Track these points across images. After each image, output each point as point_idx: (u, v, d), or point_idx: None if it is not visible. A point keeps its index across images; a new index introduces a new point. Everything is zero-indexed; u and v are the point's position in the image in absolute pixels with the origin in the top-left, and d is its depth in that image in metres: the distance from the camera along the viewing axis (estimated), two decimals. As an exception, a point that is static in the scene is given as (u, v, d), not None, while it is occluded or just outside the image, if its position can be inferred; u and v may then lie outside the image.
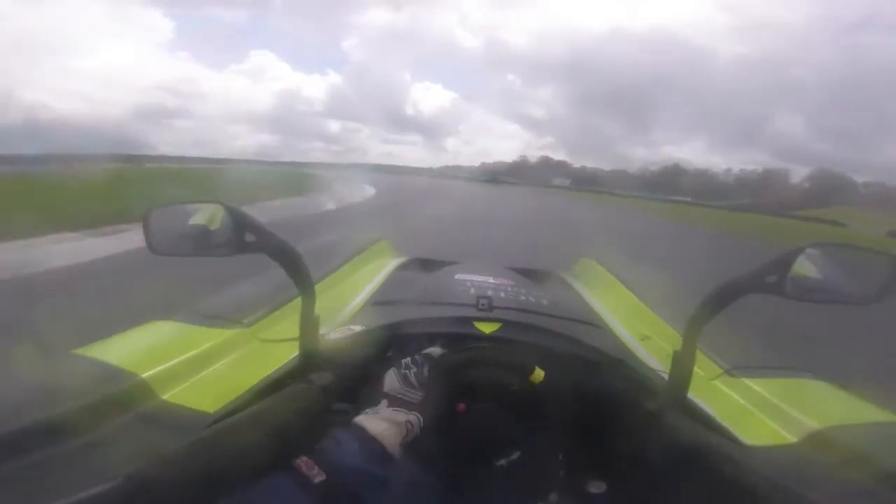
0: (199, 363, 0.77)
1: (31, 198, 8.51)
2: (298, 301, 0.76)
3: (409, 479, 0.67)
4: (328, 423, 0.75)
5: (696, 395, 0.77)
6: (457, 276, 1.33)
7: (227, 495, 0.53)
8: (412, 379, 0.80)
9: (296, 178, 22.44)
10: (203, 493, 0.50)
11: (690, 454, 0.62)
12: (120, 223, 6.63)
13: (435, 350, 0.83)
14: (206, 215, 0.66)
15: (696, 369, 0.74)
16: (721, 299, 0.66)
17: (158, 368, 0.70)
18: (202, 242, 0.66)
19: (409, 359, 0.82)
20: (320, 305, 0.79)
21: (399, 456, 0.67)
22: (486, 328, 0.91)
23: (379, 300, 1.22)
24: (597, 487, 0.76)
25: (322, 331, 0.85)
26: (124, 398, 0.62)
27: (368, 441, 0.65)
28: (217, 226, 0.65)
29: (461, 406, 0.75)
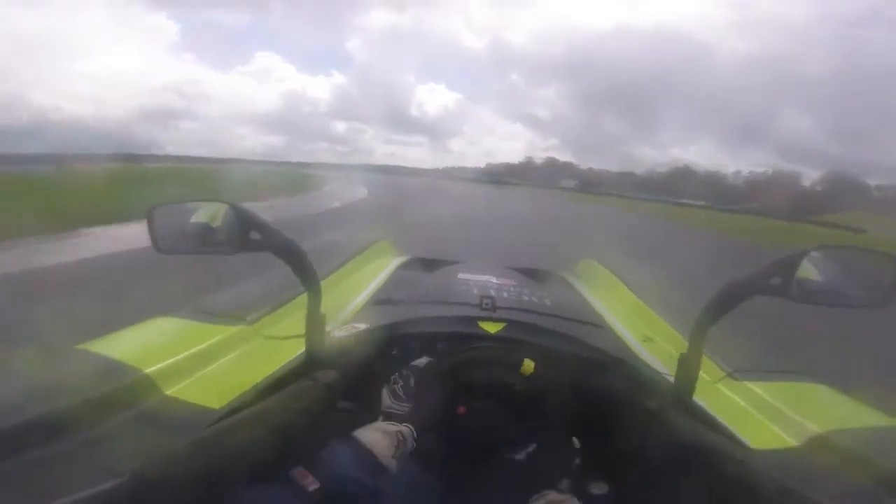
0: (203, 360, 0.77)
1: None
2: (302, 298, 0.77)
3: (403, 488, 0.68)
4: (332, 421, 0.78)
5: (698, 397, 0.76)
6: (459, 276, 1.33)
7: (231, 493, 0.54)
8: (400, 392, 0.85)
9: (289, 180, 21.99)
10: (207, 490, 0.51)
11: (694, 455, 0.62)
12: (80, 227, 6.35)
13: (421, 361, 0.86)
14: (210, 213, 0.66)
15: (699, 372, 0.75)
16: (726, 302, 0.66)
17: (162, 364, 0.69)
18: (206, 240, 0.66)
19: (396, 373, 0.85)
20: (323, 304, 0.79)
21: (393, 466, 0.68)
22: (491, 328, 0.92)
23: (382, 299, 1.21)
24: (598, 488, 0.76)
25: (327, 329, 0.85)
26: (128, 394, 0.62)
27: (361, 452, 0.67)
28: (221, 224, 0.65)
29: (461, 409, 0.75)
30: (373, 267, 1.60)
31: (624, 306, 1.38)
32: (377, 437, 0.69)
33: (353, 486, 0.62)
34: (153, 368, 0.68)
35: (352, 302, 1.19)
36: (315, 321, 0.78)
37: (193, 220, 0.68)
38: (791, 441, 0.69)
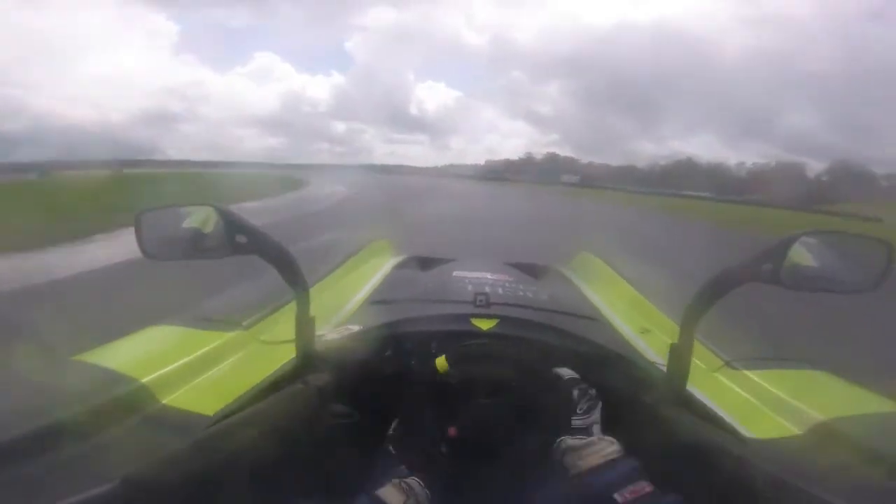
0: (199, 366, 0.77)
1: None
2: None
3: None
4: (325, 424, 0.78)
5: (696, 387, 0.76)
6: (454, 274, 1.34)
7: (226, 496, 0.54)
8: (398, 441, 0.82)
9: (267, 183, 21.47)
10: (199, 494, 0.51)
11: (689, 448, 0.62)
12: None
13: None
14: (197, 218, 0.66)
15: (696, 362, 0.74)
16: (717, 289, 0.66)
17: (158, 373, 0.70)
18: (194, 245, 0.66)
19: (394, 423, 0.83)
20: (319, 306, 0.80)
21: None
22: (484, 325, 0.92)
23: (377, 299, 1.21)
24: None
25: (320, 331, 0.86)
26: (124, 403, 0.62)
27: None
28: (208, 228, 0.65)
29: (451, 431, 0.75)
30: (369, 267, 1.60)
31: (621, 299, 1.36)
32: (391, 491, 0.68)
33: None
34: (149, 377, 0.68)
35: (348, 303, 1.19)
36: (305, 324, 0.78)
37: (180, 225, 0.67)
38: (793, 429, 0.68)
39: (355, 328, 0.94)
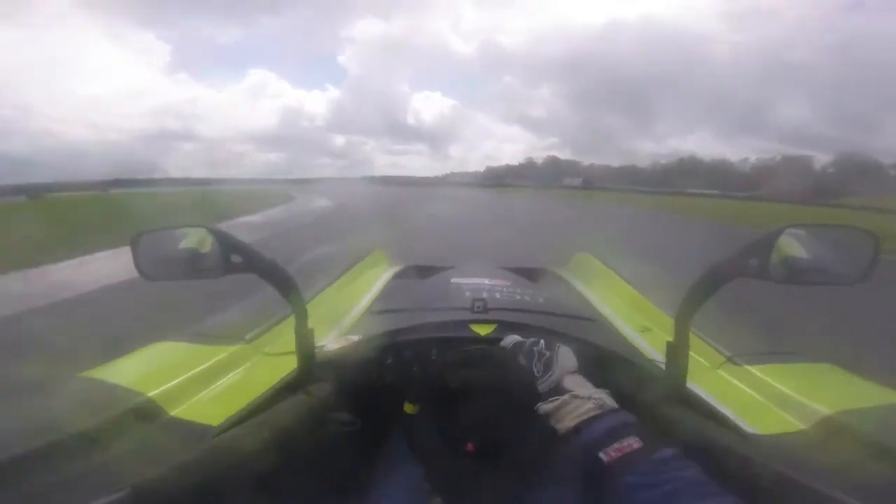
0: (203, 379, 0.78)
1: None
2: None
3: None
4: (328, 434, 0.79)
5: (699, 384, 0.75)
6: (452, 281, 1.34)
7: None
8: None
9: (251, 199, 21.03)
10: (207, 503, 0.52)
11: (693, 446, 0.61)
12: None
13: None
14: (193, 239, 0.68)
15: (698, 358, 0.74)
16: (707, 286, 0.66)
17: (163, 387, 0.70)
18: (191, 266, 0.67)
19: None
20: (319, 317, 0.82)
21: None
22: (482, 330, 0.92)
23: (376, 309, 1.21)
24: None
25: (321, 342, 0.88)
26: (131, 416, 0.63)
27: None
28: (203, 248, 0.66)
29: (469, 446, 0.72)
30: (368, 277, 1.60)
31: (620, 298, 1.36)
32: None
33: None
34: (155, 391, 0.68)
35: (348, 313, 1.19)
36: (304, 337, 0.78)
37: (176, 245, 0.68)
38: (797, 424, 0.67)
39: (356, 338, 0.95)
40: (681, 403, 0.71)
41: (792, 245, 0.60)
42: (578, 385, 0.72)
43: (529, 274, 1.70)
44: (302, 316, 0.77)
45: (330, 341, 0.95)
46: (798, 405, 0.70)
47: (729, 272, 0.63)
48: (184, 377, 0.76)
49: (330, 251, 1.99)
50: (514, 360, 0.75)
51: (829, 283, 0.62)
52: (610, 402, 0.67)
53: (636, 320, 1.16)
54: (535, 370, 0.73)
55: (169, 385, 0.72)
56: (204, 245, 0.67)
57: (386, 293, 1.41)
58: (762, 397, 0.76)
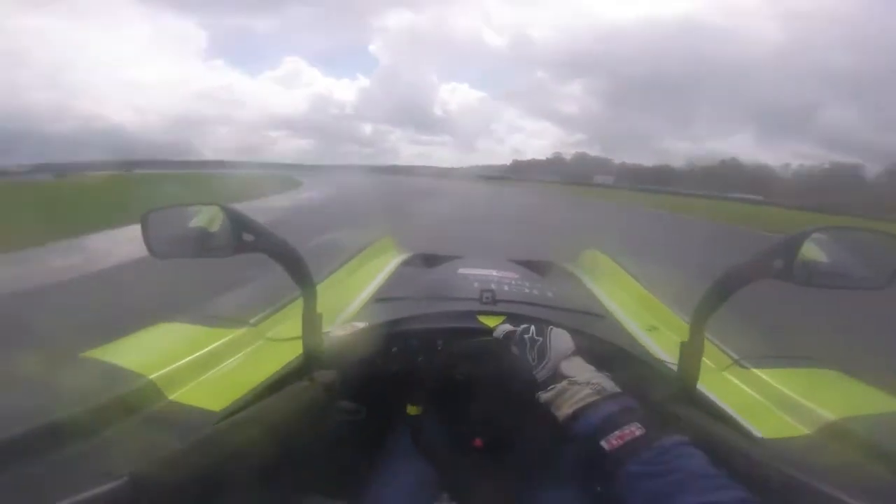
0: (207, 363, 0.77)
1: None
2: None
3: None
4: (332, 421, 0.78)
5: (705, 386, 0.75)
6: (460, 271, 1.32)
7: (233, 492, 0.54)
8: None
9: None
10: (205, 491, 0.52)
11: (701, 447, 0.60)
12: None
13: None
14: (203, 217, 0.67)
15: (705, 360, 0.73)
16: (727, 287, 0.64)
17: (166, 369, 0.70)
18: (201, 244, 0.66)
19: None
20: (325, 303, 0.79)
21: None
22: (490, 322, 0.90)
23: (383, 297, 1.20)
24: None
25: (327, 328, 0.85)
26: (133, 399, 0.62)
27: None
28: (214, 227, 0.65)
29: (477, 442, 0.72)
30: (375, 264, 1.58)
31: (628, 296, 1.34)
32: None
33: None
34: (157, 374, 0.67)
35: (354, 300, 1.18)
36: (311, 321, 0.77)
37: (187, 223, 0.67)
38: (803, 429, 0.67)
39: (362, 325, 0.93)
40: (690, 404, 0.71)
41: (817, 248, 0.59)
42: (577, 369, 0.69)
43: (537, 267, 1.68)
44: (311, 300, 0.76)
45: (335, 328, 0.93)
46: (804, 410, 0.69)
47: (751, 273, 0.61)
48: (187, 360, 0.74)
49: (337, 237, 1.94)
50: (508, 351, 0.74)
51: (852, 286, 0.61)
52: (609, 386, 0.65)
53: (644, 318, 1.15)
54: (529, 359, 0.72)
55: (172, 367, 0.70)
56: (215, 223, 0.65)
57: (393, 281, 1.39)
58: (768, 401, 0.75)
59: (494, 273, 1.29)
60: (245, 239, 0.63)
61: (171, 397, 0.66)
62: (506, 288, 1.13)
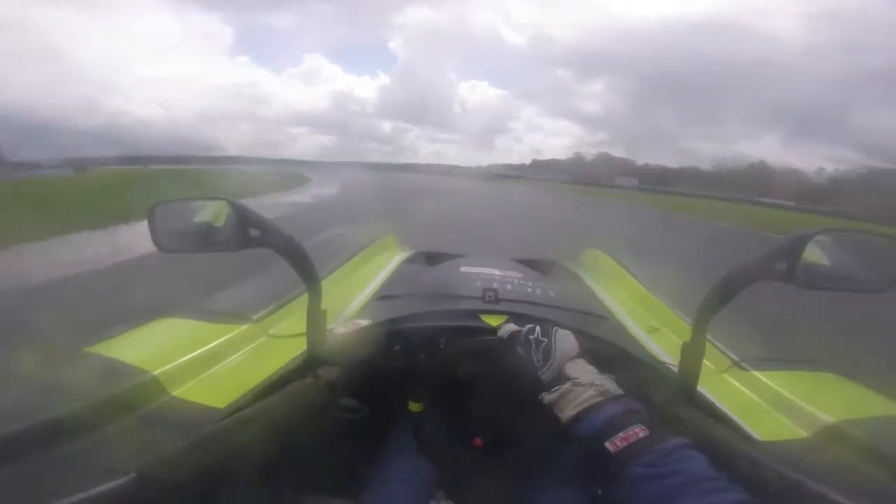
0: (209, 359, 0.77)
1: None
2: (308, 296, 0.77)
3: None
4: (335, 419, 0.79)
5: (705, 387, 0.75)
6: (462, 269, 1.32)
7: (236, 489, 0.55)
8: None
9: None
10: (212, 487, 0.52)
11: (701, 448, 0.60)
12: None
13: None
14: (209, 211, 0.67)
15: (704, 361, 0.74)
16: (729, 288, 0.64)
17: (169, 365, 0.70)
18: (207, 238, 0.66)
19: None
20: (327, 300, 0.79)
21: None
22: (493, 321, 0.90)
23: (385, 294, 1.20)
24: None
25: (329, 326, 0.86)
26: (135, 396, 0.62)
27: None
28: (220, 221, 0.66)
29: (477, 441, 0.73)
30: (377, 262, 1.57)
31: (629, 296, 1.34)
32: None
33: None
34: (160, 369, 0.68)
35: (356, 298, 1.17)
36: (315, 318, 0.77)
37: (193, 218, 0.67)
38: (802, 432, 0.67)
39: (364, 323, 0.93)
40: (691, 406, 0.71)
41: (820, 250, 0.59)
42: (581, 370, 0.70)
43: (539, 267, 1.68)
44: (316, 297, 0.76)
45: (338, 325, 0.94)
46: (804, 412, 0.70)
47: (752, 275, 0.61)
48: (190, 356, 0.74)
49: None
50: (514, 351, 0.74)
51: (855, 289, 0.61)
52: (613, 388, 0.66)
53: (645, 319, 1.14)
54: (534, 359, 0.72)
55: (174, 364, 0.70)
56: (221, 218, 0.65)
57: (395, 279, 1.38)
58: (767, 403, 0.75)
59: (497, 272, 1.29)
60: (251, 234, 0.64)
61: (174, 393, 0.65)
62: (508, 287, 1.14)
